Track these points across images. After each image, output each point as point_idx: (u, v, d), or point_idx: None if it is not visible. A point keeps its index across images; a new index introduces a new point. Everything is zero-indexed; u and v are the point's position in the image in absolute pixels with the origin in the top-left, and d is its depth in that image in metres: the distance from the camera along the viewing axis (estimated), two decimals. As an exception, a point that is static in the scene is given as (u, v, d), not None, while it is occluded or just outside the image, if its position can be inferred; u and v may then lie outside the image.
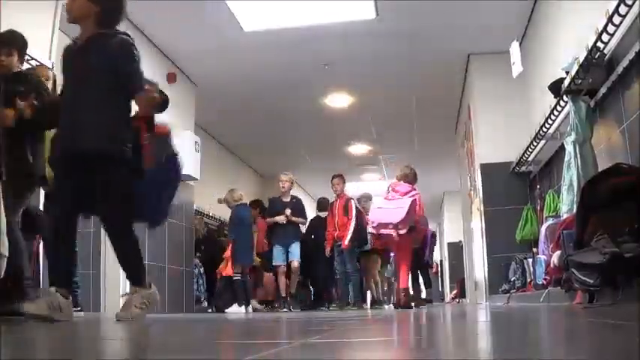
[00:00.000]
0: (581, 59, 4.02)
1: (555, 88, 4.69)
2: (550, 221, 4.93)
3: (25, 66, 4.03)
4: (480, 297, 7.78)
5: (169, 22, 6.41)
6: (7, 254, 3.05)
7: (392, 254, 9.14)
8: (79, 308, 4.20)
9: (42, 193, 4.26)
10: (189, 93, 7.84)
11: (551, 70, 5.13)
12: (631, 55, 3.57)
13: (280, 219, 7.73)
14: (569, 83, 4.29)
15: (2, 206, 3.08)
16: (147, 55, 6.66)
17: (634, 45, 3.50)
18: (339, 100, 8.87)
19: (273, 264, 7.81)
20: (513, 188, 6.82)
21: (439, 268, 17.52)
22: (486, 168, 7.07)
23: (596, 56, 3.91)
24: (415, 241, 6.96)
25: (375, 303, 8.30)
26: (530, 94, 6.48)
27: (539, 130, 5.55)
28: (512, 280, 6.09)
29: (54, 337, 2.15)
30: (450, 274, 16.53)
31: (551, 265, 4.08)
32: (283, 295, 7.77)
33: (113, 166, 3.21)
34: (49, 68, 4.36)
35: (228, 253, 7.54)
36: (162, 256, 6.74)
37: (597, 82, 4.12)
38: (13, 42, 3.73)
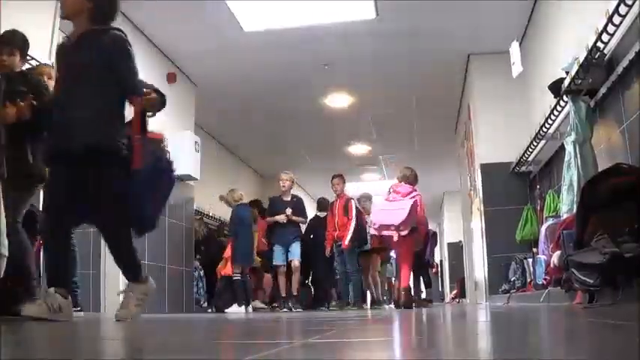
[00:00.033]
0: (581, 59, 4.02)
1: (555, 88, 4.69)
2: (550, 221, 4.93)
3: (26, 66, 4.03)
4: (480, 297, 7.78)
5: (169, 22, 6.41)
6: (6, 254, 3.05)
7: (392, 253, 9.17)
8: (78, 308, 4.20)
9: (42, 193, 4.26)
10: (189, 93, 7.84)
11: (551, 70, 5.13)
12: (631, 55, 3.57)
13: (281, 218, 7.73)
14: (569, 83, 4.29)
15: (2, 206, 3.08)
16: (147, 55, 6.68)
17: (634, 45, 3.50)
18: (339, 100, 8.86)
19: (274, 264, 7.82)
20: (513, 188, 6.82)
21: (439, 268, 17.52)
22: (486, 168, 7.07)
23: (596, 56, 3.91)
24: (417, 242, 6.95)
25: (375, 303, 8.30)
26: (530, 94, 6.48)
27: (539, 130, 5.55)
28: (512, 280, 6.09)
29: (54, 337, 2.15)
30: (450, 274, 16.53)
31: (551, 265, 4.08)
32: (283, 295, 7.77)
33: (107, 163, 3.17)
34: (51, 67, 4.36)
35: (227, 252, 7.54)
36: (162, 256, 6.74)
37: (597, 82, 4.12)
38: (15, 42, 3.74)
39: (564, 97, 4.51)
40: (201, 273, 8.22)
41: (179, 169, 7.02)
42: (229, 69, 7.63)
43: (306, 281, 8.93)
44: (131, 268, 3.36)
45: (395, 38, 6.83)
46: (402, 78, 8.04)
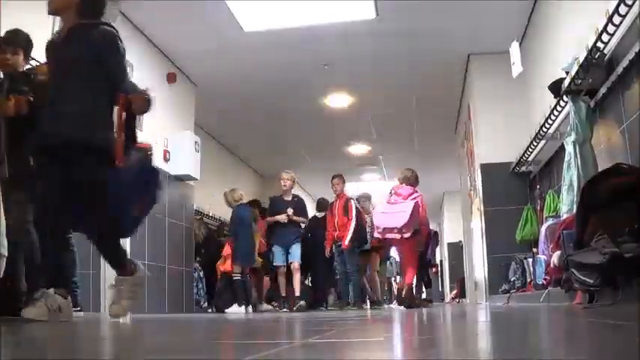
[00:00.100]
0: (581, 59, 4.02)
1: (555, 88, 4.69)
2: (550, 221, 4.93)
3: (27, 66, 4.03)
4: (480, 297, 7.78)
5: (169, 22, 6.41)
6: (6, 254, 3.05)
7: (392, 253, 9.17)
8: (78, 308, 4.19)
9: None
10: (189, 93, 7.84)
11: (551, 70, 5.13)
12: (631, 55, 3.57)
13: (282, 218, 7.69)
14: (569, 83, 4.29)
15: (1, 207, 3.08)
16: (147, 55, 6.68)
17: (634, 45, 3.50)
18: (339, 100, 8.86)
19: (274, 264, 7.80)
20: (513, 188, 6.82)
21: (439, 268, 17.52)
22: (486, 168, 7.07)
23: (596, 56, 3.91)
24: (419, 243, 6.94)
25: (375, 303, 8.30)
26: (530, 94, 6.48)
27: (539, 130, 5.55)
28: (512, 280, 6.09)
29: (54, 337, 2.15)
30: (450, 274, 16.53)
31: (551, 265, 4.08)
32: (283, 294, 7.76)
33: (95, 158, 3.13)
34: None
35: (226, 250, 7.55)
36: (162, 256, 6.74)
37: (597, 82, 4.12)
38: (19, 41, 3.75)
39: (564, 97, 4.51)
40: (201, 273, 8.22)
41: (179, 169, 7.13)
42: (229, 69, 7.62)
43: (306, 281, 8.92)
44: (120, 261, 3.33)
45: (395, 38, 6.83)
46: (402, 78, 8.04)
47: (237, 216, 7.53)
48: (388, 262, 10.53)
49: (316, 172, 11.64)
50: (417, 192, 6.76)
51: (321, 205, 8.81)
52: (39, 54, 4.53)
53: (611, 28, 3.61)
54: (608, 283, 2.86)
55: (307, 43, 6.94)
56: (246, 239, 7.45)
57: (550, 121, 5.26)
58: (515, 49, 5.83)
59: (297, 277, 7.67)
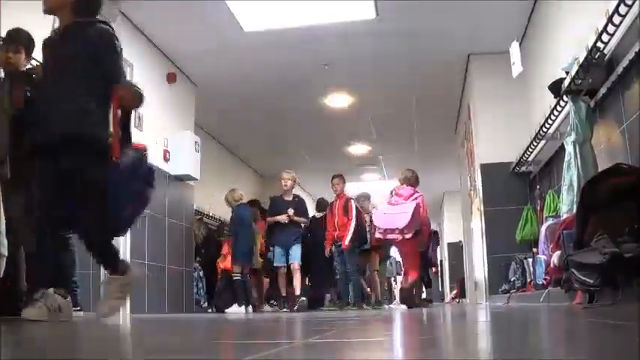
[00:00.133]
0: (581, 59, 4.02)
1: (555, 88, 4.69)
2: (550, 221, 4.93)
3: (28, 66, 4.04)
4: (480, 297, 7.78)
5: (169, 22, 6.41)
6: (6, 254, 3.05)
7: (392, 252, 9.16)
8: (78, 308, 4.20)
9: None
10: (189, 93, 7.84)
11: (551, 70, 5.13)
12: (631, 55, 3.57)
13: (282, 218, 7.66)
14: (569, 83, 4.29)
15: (1, 207, 3.08)
16: (147, 55, 6.68)
17: (634, 45, 3.50)
18: (339, 100, 8.86)
19: (274, 265, 7.78)
20: (513, 188, 6.82)
21: (439, 268, 17.52)
22: (486, 168, 7.07)
23: (596, 56, 3.91)
24: (421, 244, 6.94)
25: (375, 303, 8.30)
26: (530, 94, 6.48)
27: (539, 130, 5.55)
28: (512, 280, 6.09)
29: (54, 337, 2.15)
30: (450, 274, 16.53)
31: (551, 265, 4.08)
32: (283, 294, 7.76)
33: (91, 156, 3.12)
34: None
35: (225, 249, 7.55)
36: (162, 256, 6.74)
37: (597, 82, 4.12)
38: (20, 40, 3.75)
39: (564, 97, 4.51)
40: (201, 273, 8.22)
41: (179, 169, 7.13)
42: (229, 69, 7.62)
43: (307, 281, 8.92)
44: (112, 261, 3.32)
45: (395, 38, 6.83)
46: (402, 78, 8.04)
47: (237, 216, 7.53)
48: (388, 262, 10.52)
49: (316, 172, 11.64)
50: (417, 192, 6.76)
51: (321, 205, 8.80)
52: (39, 54, 4.55)
53: (611, 28, 3.61)
54: (608, 283, 2.86)
55: (307, 43, 6.94)
56: (246, 239, 7.45)
57: (550, 121, 5.26)
58: (515, 49, 5.83)
59: (297, 277, 7.66)
